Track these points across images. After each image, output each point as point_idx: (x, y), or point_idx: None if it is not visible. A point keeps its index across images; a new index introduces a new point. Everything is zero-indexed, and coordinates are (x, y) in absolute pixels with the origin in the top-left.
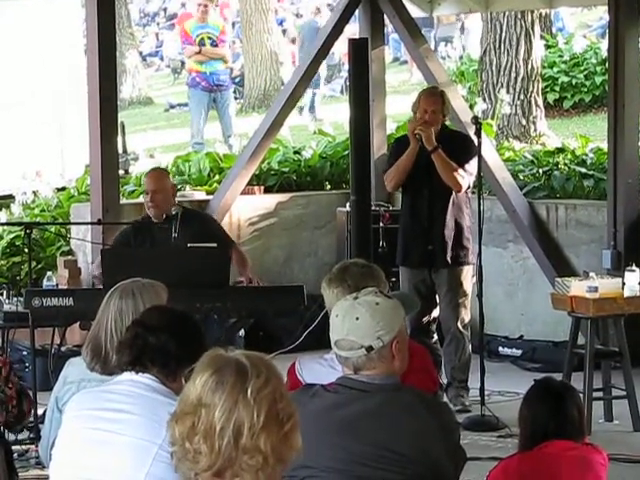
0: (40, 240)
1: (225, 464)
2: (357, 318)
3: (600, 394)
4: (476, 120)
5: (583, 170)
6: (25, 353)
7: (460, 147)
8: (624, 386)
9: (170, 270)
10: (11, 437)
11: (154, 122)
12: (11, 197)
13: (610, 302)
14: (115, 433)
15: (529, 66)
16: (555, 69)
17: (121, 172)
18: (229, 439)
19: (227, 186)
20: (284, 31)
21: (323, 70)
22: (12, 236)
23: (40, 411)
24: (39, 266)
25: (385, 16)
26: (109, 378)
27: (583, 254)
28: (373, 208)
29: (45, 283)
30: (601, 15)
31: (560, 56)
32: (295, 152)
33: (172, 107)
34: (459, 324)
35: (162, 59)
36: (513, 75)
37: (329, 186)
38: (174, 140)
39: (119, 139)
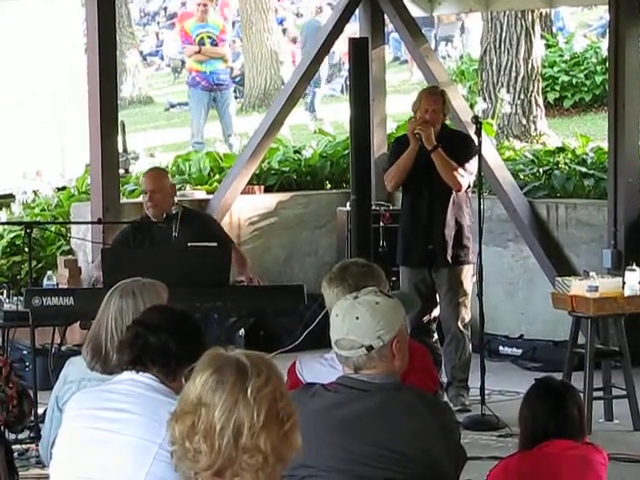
0: (40, 239)
1: (225, 463)
2: (357, 317)
3: (600, 393)
4: (476, 119)
5: (583, 169)
6: (25, 352)
7: (460, 146)
8: (624, 385)
9: (170, 269)
10: (11, 436)
11: (154, 121)
12: (11, 196)
13: (610, 301)
14: (115, 432)
15: (529, 65)
16: (555, 68)
17: (121, 171)
18: (229, 438)
19: (227, 185)
20: (284, 30)
21: (324, 69)
22: (12, 235)
23: (40, 410)
24: (39, 265)
25: (385, 15)
26: (109, 377)
27: (583, 253)
28: (373, 207)
29: (45, 282)
30: (601, 14)
31: (560, 55)
32: (295, 151)
33: (172, 106)
34: (459, 323)
35: (162, 58)
36: (513, 74)
37: (329, 185)
38: (174, 139)
39: (119, 138)
